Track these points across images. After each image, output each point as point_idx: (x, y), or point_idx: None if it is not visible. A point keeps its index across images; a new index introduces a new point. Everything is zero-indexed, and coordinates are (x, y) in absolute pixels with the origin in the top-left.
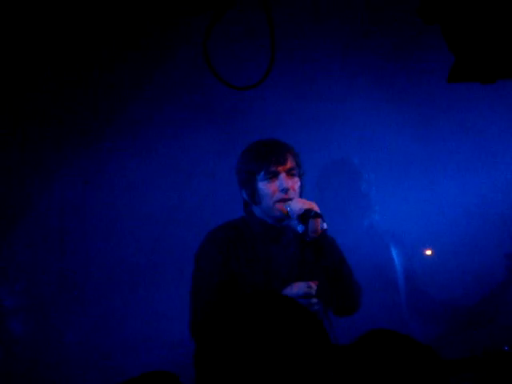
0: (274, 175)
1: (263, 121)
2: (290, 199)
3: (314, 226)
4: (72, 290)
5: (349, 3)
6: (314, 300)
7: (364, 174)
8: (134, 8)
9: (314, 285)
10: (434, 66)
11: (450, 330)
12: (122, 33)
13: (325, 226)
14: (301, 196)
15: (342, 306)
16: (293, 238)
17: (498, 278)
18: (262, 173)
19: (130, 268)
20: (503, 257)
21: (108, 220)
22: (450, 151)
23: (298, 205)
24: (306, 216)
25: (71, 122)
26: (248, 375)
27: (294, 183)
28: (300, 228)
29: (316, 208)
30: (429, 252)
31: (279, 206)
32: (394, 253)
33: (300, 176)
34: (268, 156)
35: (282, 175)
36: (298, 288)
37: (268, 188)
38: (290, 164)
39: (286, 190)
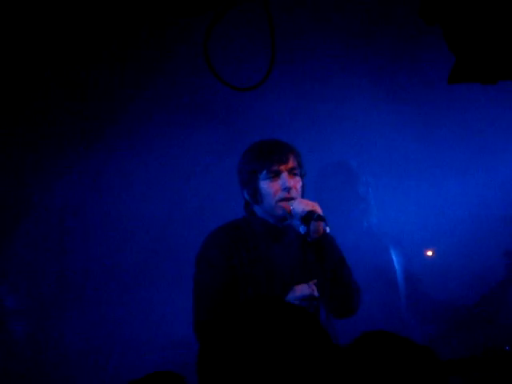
0: (276, 174)
1: (263, 121)
2: (293, 198)
3: (316, 228)
4: (72, 291)
5: (349, 3)
6: (316, 302)
7: (363, 175)
8: (135, 8)
9: (315, 286)
10: (434, 65)
11: (450, 331)
12: (122, 33)
13: (327, 229)
14: (302, 196)
15: (340, 308)
16: (295, 237)
17: (497, 279)
18: (264, 172)
19: (130, 268)
20: (503, 255)
21: (108, 220)
22: (449, 152)
23: (301, 206)
24: (309, 218)
25: (71, 122)
26: (251, 378)
27: (296, 183)
28: (302, 229)
29: (319, 210)
30: (429, 253)
31: (283, 203)
32: (394, 254)
33: (302, 176)
34: (270, 155)
35: (284, 174)
36: (300, 291)
37: (270, 187)
38: (292, 163)
39: (288, 189)
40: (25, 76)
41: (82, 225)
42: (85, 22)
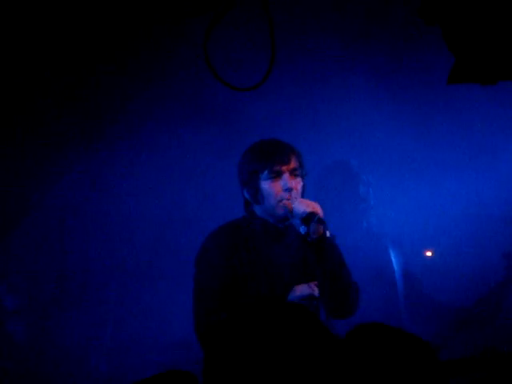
0: (277, 175)
1: (263, 121)
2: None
3: (316, 229)
4: (72, 291)
5: (349, 3)
6: (316, 302)
7: (363, 176)
8: (135, 9)
9: (315, 286)
10: (434, 66)
11: (449, 331)
12: (122, 34)
13: (327, 233)
14: (303, 196)
15: (339, 308)
16: (295, 237)
17: (497, 279)
18: (266, 172)
19: (130, 268)
20: (502, 257)
21: (108, 220)
22: (449, 152)
23: (302, 207)
24: (309, 219)
25: (71, 123)
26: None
27: (297, 184)
28: (302, 229)
29: (319, 211)
30: (429, 253)
31: (285, 201)
32: (393, 253)
33: (302, 176)
34: (272, 155)
35: (286, 175)
36: (300, 291)
37: (272, 187)
38: (293, 164)
39: (289, 190)
40: (25, 76)
41: (81, 225)
42: (85, 23)
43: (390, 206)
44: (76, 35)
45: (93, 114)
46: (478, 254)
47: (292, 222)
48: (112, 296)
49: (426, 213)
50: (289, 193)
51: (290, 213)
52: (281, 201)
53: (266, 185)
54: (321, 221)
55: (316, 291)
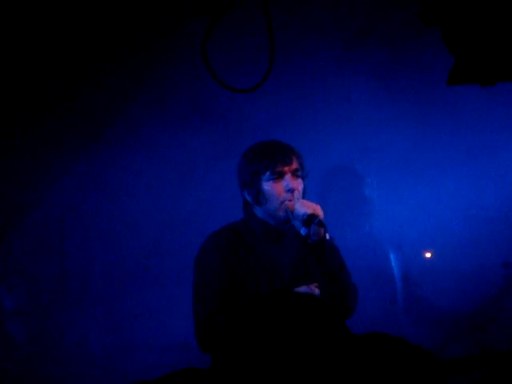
0: (279, 175)
1: (262, 123)
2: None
3: (317, 231)
4: (72, 291)
5: (349, 3)
6: None
7: (368, 178)
8: (134, 9)
9: (315, 288)
10: (434, 66)
11: (449, 334)
12: (121, 34)
13: (327, 236)
14: (303, 197)
15: None
16: (295, 239)
17: (496, 281)
18: (268, 173)
19: (130, 268)
20: (501, 266)
21: (108, 221)
22: (449, 153)
23: (303, 208)
24: (310, 221)
25: (70, 124)
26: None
27: (298, 185)
28: (303, 231)
29: (320, 213)
30: (428, 254)
31: (287, 202)
32: (392, 255)
33: (303, 178)
34: (274, 156)
35: (288, 176)
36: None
37: (274, 188)
38: (295, 165)
39: (291, 191)
40: (25, 76)
41: (81, 225)
42: (85, 23)
43: (390, 206)
44: (76, 35)
45: (93, 114)
46: (477, 255)
47: (292, 223)
48: (112, 296)
49: (425, 214)
50: (291, 194)
51: (291, 214)
52: (283, 202)
53: (267, 186)
54: (321, 223)
55: (316, 292)
